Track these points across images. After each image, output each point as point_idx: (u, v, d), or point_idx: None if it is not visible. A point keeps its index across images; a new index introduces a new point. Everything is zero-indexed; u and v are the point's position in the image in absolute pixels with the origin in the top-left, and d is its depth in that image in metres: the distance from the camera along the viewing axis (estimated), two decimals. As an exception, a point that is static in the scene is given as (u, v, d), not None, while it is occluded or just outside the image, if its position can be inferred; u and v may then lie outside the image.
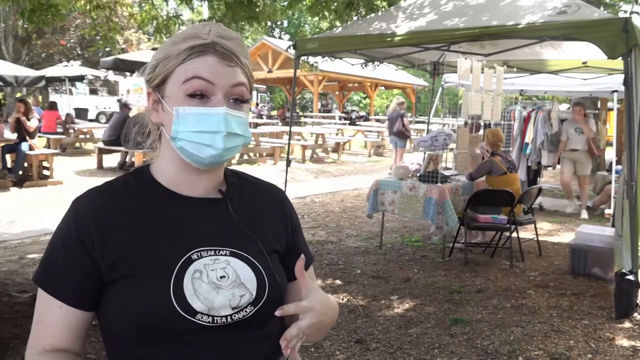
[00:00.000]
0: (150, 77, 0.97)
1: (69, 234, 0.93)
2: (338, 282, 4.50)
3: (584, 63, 6.14)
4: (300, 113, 28.76)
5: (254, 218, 1.05)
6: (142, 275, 0.91)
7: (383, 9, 6.62)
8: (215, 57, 0.93)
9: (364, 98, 37.35)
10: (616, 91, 7.22)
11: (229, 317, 0.93)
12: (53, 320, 0.92)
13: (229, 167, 1.10)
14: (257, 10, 6.25)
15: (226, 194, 1.03)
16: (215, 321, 0.92)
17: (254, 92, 31.87)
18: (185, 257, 0.93)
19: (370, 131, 17.98)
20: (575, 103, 7.44)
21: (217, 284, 0.93)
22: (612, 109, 9.01)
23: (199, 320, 0.90)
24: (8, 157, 8.79)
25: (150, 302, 0.89)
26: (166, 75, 0.95)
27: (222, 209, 1.01)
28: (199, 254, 0.94)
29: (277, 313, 0.94)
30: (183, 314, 0.89)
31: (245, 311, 0.95)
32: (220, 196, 1.02)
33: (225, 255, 0.97)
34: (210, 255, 0.95)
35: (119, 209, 0.95)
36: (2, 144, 8.55)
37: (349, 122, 24.01)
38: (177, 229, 0.96)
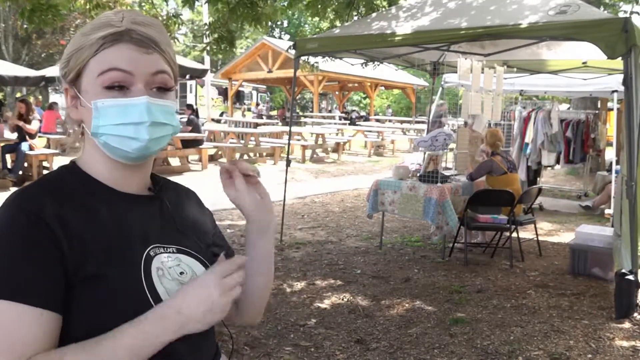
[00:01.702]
0: (65, 71, 0.91)
1: (26, 231, 0.80)
2: (338, 282, 4.51)
3: (584, 63, 6.14)
4: (300, 113, 28.77)
5: (185, 215, 1.04)
6: (111, 275, 0.83)
7: (383, 9, 6.62)
8: (131, 44, 0.87)
9: (364, 98, 37.36)
10: (616, 91, 7.22)
11: None
12: (34, 334, 0.78)
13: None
14: (259, 11, 6.25)
15: (159, 191, 1.01)
16: None
17: (254, 92, 31.97)
18: (145, 255, 0.90)
19: (370, 131, 17.98)
20: None
21: (180, 280, 0.91)
22: (612, 109, 9.01)
23: None
24: (8, 157, 8.78)
25: (127, 304, 0.83)
26: (80, 68, 0.89)
27: (157, 207, 0.99)
28: (154, 251, 0.91)
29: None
30: None
31: None
32: (152, 193, 0.99)
33: (173, 252, 0.95)
34: (162, 252, 0.93)
35: (71, 205, 0.87)
36: (2, 144, 8.55)
37: (349, 122, 24.02)
38: (128, 227, 0.91)
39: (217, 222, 1.15)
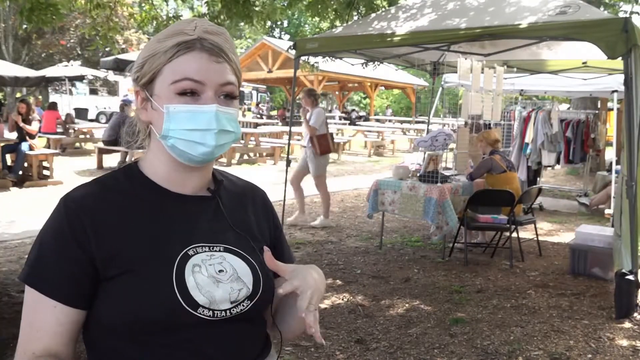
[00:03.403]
0: (138, 75, 0.97)
1: (61, 229, 0.90)
2: (338, 282, 4.50)
3: (584, 63, 6.14)
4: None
5: (242, 216, 1.06)
6: (142, 269, 0.90)
7: (383, 9, 6.62)
8: (203, 52, 0.92)
9: (364, 98, 37.36)
10: (616, 91, 7.22)
11: (227, 312, 0.93)
12: (45, 321, 0.89)
13: (215, 167, 1.11)
14: (253, 8, 6.23)
15: (215, 192, 1.04)
16: (215, 315, 0.91)
17: (254, 92, 32.07)
18: (182, 253, 0.93)
19: (370, 131, 17.98)
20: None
21: (217, 278, 0.93)
22: (612, 109, 9.00)
23: (200, 314, 0.90)
24: (8, 157, 8.78)
25: (153, 296, 0.88)
26: (154, 73, 0.94)
27: (212, 207, 1.02)
28: (194, 250, 0.95)
29: (281, 291, 0.92)
30: (186, 307, 0.89)
31: (243, 305, 0.95)
32: (209, 194, 1.03)
33: (220, 251, 0.97)
34: (205, 251, 0.96)
35: (111, 205, 0.94)
36: (2, 144, 8.55)
37: (349, 122, 24.01)
38: (171, 226, 0.96)
39: None
